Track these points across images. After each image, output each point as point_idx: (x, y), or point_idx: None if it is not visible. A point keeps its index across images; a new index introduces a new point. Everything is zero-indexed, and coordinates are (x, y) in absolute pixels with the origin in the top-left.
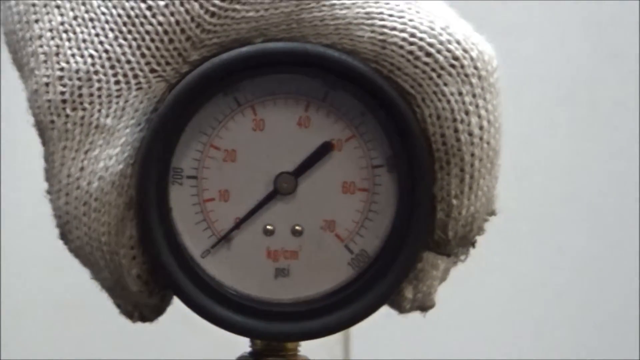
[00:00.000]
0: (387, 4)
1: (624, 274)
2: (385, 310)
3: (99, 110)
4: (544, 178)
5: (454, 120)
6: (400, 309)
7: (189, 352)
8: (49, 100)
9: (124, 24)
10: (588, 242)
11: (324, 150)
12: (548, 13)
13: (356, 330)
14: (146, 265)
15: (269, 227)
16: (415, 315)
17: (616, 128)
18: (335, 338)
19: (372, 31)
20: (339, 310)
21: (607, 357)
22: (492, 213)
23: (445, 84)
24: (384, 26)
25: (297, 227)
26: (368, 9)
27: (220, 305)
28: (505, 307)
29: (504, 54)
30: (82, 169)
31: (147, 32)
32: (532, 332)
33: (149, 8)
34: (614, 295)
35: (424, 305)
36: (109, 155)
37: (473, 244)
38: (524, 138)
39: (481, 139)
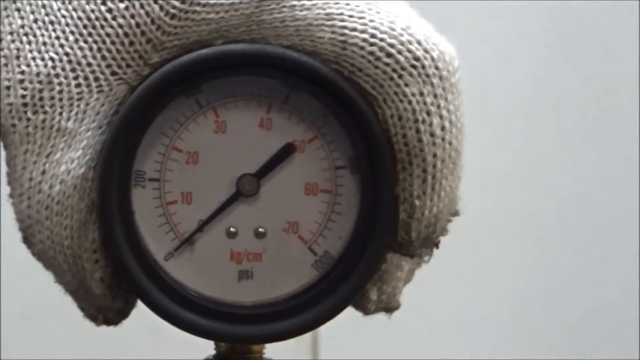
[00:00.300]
0: (348, 4)
1: (590, 278)
2: (353, 313)
3: (60, 114)
4: (509, 183)
5: (416, 120)
6: (365, 310)
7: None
8: (10, 104)
9: (84, 26)
10: (555, 247)
11: (286, 152)
12: (509, 19)
13: (324, 331)
14: (109, 269)
15: (232, 229)
16: (384, 317)
17: (578, 133)
18: (304, 340)
19: (333, 32)
20: (303, 312)
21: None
22: (456, 214)
23: (407, 85)
24: (344, 27)
25: (260, 229)
26: (328, 10)
27: (183, 308)
28: (477, 309)
29: (464, 59)
30: (43, 172)
31: (108, 35)
32: (510, 335)
33: (109, 10)
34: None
35: (389, 307)
36: (71, 159)
37: (437, 245)
38: (486, 145)
39: (443, 139)
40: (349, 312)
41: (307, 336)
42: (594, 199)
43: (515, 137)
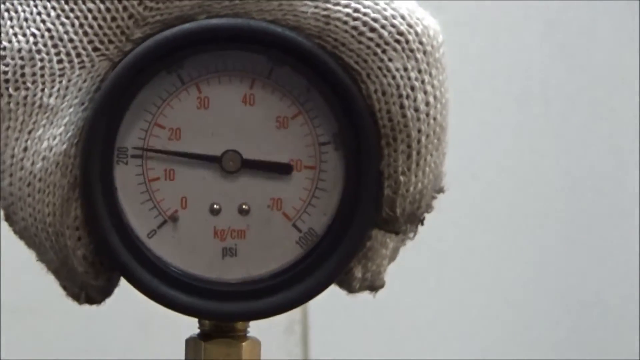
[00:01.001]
0: None
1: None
2: (344, 310)
3: (42, 90)
4: (496, 175)
5: (400, 96)
6: (350, 288)
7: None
8: None
9: (66, 2)
10: (544, 238)
11: (281, 169)
12: (500, 10)
13: (315, 327)
14: (92, 246)
15: (215, 206)
16: (375, 313)
17: (569, 125)
18: (294, 335)
19: (316, 7)
20: (288, 289)
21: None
22: (441, 190)
23: (390, 60)
24: (327, 1)
25: (244, 206)
26: None
27: (167, 286)
28: (472, 307)
29: (456, 50)
30: (25, 149)
31: (90, 10)
32: (511, 332)
33: None
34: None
35: (374, 285)
36: (53, 135)
37: (422, 221)
38: (477, 135)
39: (427, 115)
40: (340, 308)
41: (298, 331)
42: (585, 191)
43: (505, 129)
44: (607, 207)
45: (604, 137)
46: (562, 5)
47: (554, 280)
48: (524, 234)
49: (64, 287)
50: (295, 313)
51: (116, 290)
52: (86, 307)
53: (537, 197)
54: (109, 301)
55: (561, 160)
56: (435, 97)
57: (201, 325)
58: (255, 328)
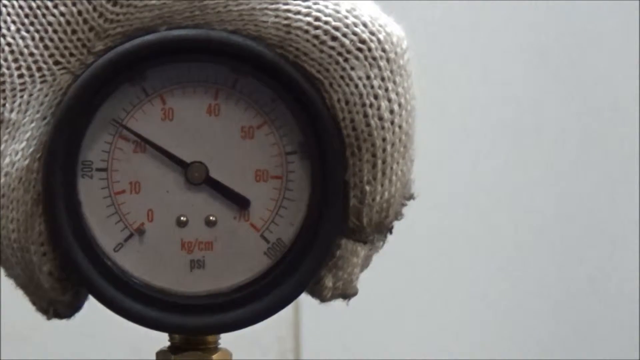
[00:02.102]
0: None
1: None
2: (337, 314)
3: (4, 105)
4: (491, 198)
5: (363, 105)
6: (321, 297)
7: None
8: None
9: (26, 15)
10: (536, 261)
11: (238, 202)
12: (491, 37)
13: (308, 330)
14: (57, 262)
15: (182, 218)
16: (368, 315)
17: (560, 151)
18: (287, 340)
19: (276, 16)
20: (256, 301)
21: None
22: (410, 197)
23: (352, 68)
24: (288, 10)
25: (211, 217)
26: None
27: (133, 300)
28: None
29: (449, 78)
30: None
31: (50, 24)
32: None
33: None
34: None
35: (346, 293)
36: (15, 151)
37: (390, 230)
38: (470, 161)
39: (392, 123)
40: (333, 312)
41: (290, 336)
42: (577, 215)
43: (497, 156)
44: (600, 232)
45: (598, 166)
46: (553, 32)
47: (553, 281)
48: (517, 265)
49: (33, 303)
50: (287, 313)
51: (109, 315)
52: (80, 332)
53: (530, 226)
54: (101, 325)
55: (555, 187)
56: (399, 105)
57: (171, 338)
58: (249, 330)
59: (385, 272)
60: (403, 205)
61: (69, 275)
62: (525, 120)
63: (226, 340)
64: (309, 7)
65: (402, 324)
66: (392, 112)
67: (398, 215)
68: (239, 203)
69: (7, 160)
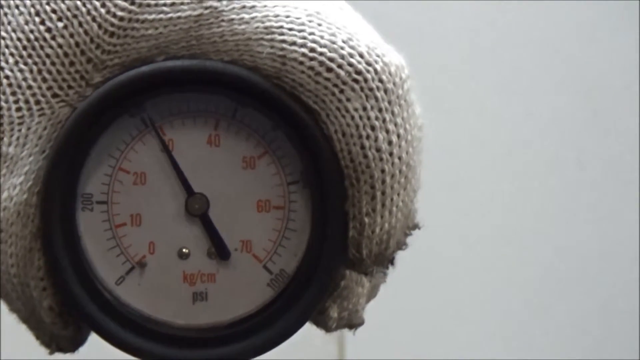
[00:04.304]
0: (288, 17)
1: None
2: (380, 314)
3: (1, 139)
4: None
5: (360, 136)
6: (326, 328)
7: None
8: None
9: (24, 47)
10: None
11: (221, 252)
12: (535, 72)
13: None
14: (58, 296)
15: (184, 250)
16: (410, 317)
17: (603, 190)
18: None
19: (272, 47)
20: (260, 332)
21: (607, 357)
22: (415, 227)
23: (348, 100)
24: (283, 41)
25: (213, 249)
26: (267, 24)
27: (135, 334)
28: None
29: (489, 115)
30: None
31: (47, 56)
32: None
33: (48, 30)
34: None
35: (351, 323)
36: (13, 185)
37: (392, 261)
38: (513, 198)
39: (391, 154)
40: (376, 313)
41: (334, 336)
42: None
43: (539, 192)
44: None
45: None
46: (596, 71)
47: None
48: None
49: (36, 337)
50: None
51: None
52: None
53: (571, 262)
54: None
55: (595, 226)
56: (398, 136)
57: None
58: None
59: (431, 280)
60: (407, 235)
61: (69, 310)
62: (567, 155)
63: None
64: (304, 38)
65: (445, 324)
66: (390, 143)
67: (401, 246)
68: (220, 252)
69: (5, 194)
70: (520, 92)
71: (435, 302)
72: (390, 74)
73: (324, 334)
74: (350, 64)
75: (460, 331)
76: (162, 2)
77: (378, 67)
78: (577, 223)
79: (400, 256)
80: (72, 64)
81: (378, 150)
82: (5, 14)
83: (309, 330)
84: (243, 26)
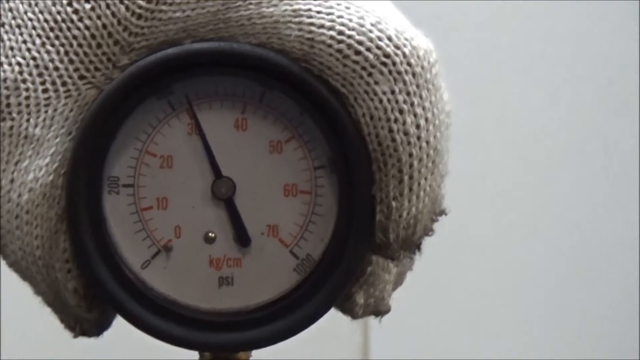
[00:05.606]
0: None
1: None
2: (404, 314)
3: (28, 120)
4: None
5: (388, 120)
6: (353, 314)
7: None
8: None
9: (51, 29)
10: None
11: (241, 239)
12: (559, 66)
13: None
14: (83, 279)
15: (210, 234)
16: (434, 316)
17: (630, 179)
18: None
19: (300, 29)
20: (285, 317)
21: (607, 357)
22: (442, 212)
23: (377, 83)
24: (311, 24)
25: None
26: (296, 6)
27: (160, 318)
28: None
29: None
30: (12, 180)
31: (75, 37)
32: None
33: (75, 12)
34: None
35: (378, 310)
36: (39, 166)
37: (418, 247)
38: (539, 187)
39: (419, 138)
40: (400, 313)
41: (359, 336)
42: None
43: (566, 182)
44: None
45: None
46: (624, 59)
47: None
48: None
49: (61, 320)
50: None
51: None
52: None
53: (603, 252)
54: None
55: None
56: (427, 120)
57: (201, 356)
58: (316, 326)
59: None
60: (434, 221)
61: (94, 293)
62: (594, 145)
63: None
64: (332, 21)
65: (469, 323)
66: (418, 127)
67: (428, 231)
68: (240, 239)
69: (31, 176)
70: (547, 80)
71: (459, 290)
72: (418, 57)
73: (350, 322)
74: (379, 47)
75: (486, 321)
76: None
77: (406, 50)
78: (603, 212)
79: (427, 243)
80: (99, 45)
81: (406, 133)
82: None
83: (333, 319)
84: (271, 9)
